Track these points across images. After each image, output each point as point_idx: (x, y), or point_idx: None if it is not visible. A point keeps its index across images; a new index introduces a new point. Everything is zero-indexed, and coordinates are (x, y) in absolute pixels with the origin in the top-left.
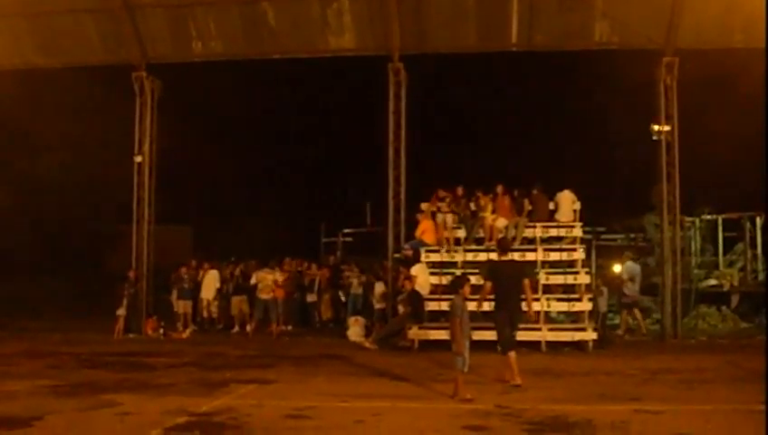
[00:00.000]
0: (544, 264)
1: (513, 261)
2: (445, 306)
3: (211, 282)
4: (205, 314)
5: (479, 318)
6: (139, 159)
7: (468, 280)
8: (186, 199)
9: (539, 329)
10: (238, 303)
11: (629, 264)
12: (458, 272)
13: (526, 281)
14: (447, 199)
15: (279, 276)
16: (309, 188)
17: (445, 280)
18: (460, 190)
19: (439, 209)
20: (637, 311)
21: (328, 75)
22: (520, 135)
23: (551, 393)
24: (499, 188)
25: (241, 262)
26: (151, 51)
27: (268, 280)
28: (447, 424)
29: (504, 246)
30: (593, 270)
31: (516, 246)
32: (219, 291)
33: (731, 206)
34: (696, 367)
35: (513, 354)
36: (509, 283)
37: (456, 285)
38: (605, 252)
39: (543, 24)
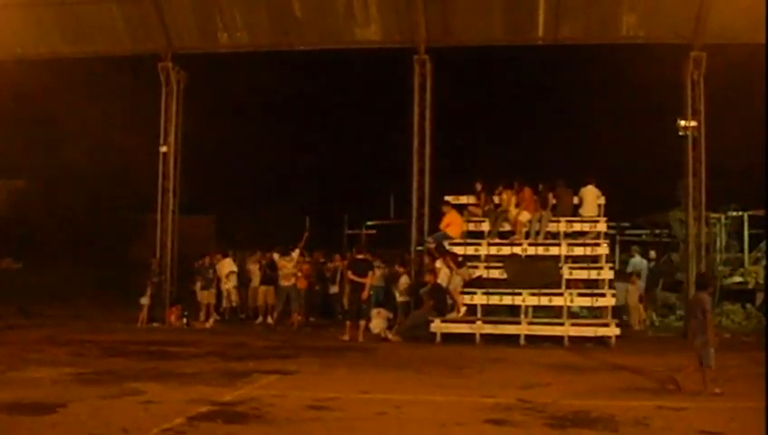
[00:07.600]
0: (568, 258)
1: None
2: (477, 300)
3: (225, 271)
4: (225, 303)
5: (501, 312)
6: (164, 149)
7: (715, 278)
8: (210, 189)
9: (562, 324)
10: (263, 293)
11: (636, 259)
12: (482, 266)
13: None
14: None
15: (302, 265)
16: (333, 180)
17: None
18: (479, 186)
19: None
20: (641, 306)
21: (353, 66)
22: (545, 129)
23: (573, 388)
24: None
25: (267, 253)
26: (177, 41)
27: (288, 268)
28: (469, 418)
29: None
30: (617, 265)
31: (540, 240)
32: (239, 280)
33: (757, 202)
34: (720, 364)
35: (362, 323)
36: (361, 276)
37: (704, 282)
38: (629, 247)
39: (570, 17)
